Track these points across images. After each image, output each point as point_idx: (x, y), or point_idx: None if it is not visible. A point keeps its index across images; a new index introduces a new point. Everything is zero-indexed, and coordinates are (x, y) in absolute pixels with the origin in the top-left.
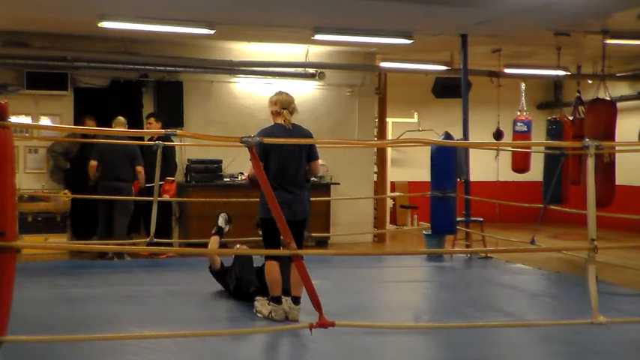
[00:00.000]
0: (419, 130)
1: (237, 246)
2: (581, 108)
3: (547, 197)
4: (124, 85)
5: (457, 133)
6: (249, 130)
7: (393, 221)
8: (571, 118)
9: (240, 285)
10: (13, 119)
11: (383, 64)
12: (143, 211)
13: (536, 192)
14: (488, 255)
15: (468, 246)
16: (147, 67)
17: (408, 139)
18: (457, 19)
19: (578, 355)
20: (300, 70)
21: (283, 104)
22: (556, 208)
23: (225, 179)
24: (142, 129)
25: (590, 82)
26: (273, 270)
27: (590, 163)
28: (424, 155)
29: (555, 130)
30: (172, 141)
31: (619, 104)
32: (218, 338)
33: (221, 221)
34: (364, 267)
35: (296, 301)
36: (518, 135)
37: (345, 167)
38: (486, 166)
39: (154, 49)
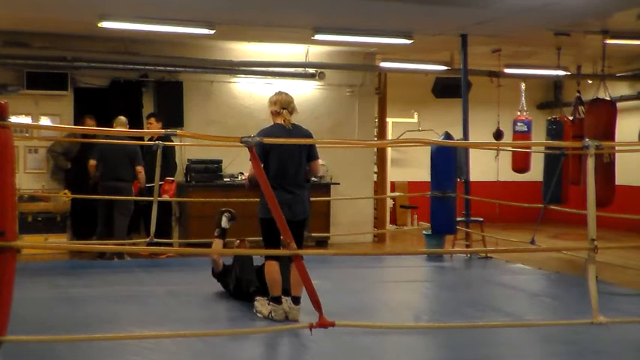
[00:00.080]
0: (419, 130)
1: (238, 242)
2: (581, 108)
3: (547, 197)
4: (124, 85)
5: (457, 133)
6: (249, 130)
7: (393, 221)
8: (571, 118)
9: (240, 285)
10: (13, 119)
11: (383, 64)
12: (143, 211)
13: (536, 192)
14: (488, 255)
15: (468, 246)
16: (147, 67)
17: (408, 139)
18: (457, 19)
19: (578, 355)
20: (300, 70)
21: (283, 104)
22: (556, 208)
23: (225, 179)
24: (142, 129)
25: (590, 82)
26: (273, 270)
27: (590, 163)
28: (424, 155)
29: (555, 130)
30: (172, 141)
31: (619, 104)
32: (218, 338)
33: (224, 222)
34: (364, 267)
35: (296, 301)
36: (518, 135)
37: (345, 167)
38: (486, 166)
39: (154, 49)
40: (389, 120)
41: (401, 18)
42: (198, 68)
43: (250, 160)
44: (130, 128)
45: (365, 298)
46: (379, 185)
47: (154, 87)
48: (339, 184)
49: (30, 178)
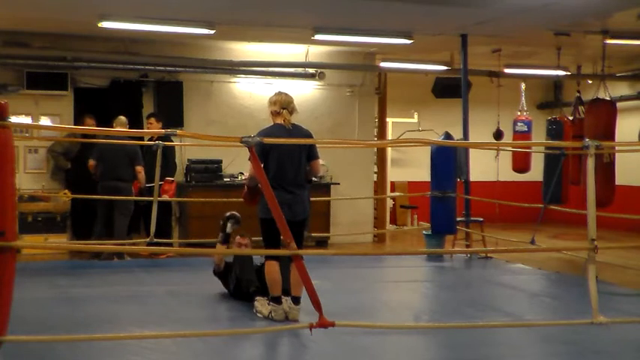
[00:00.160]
0: (419, 130)
1: (238, 237)
2: (581, 108)
3: (547, 197)
4: (124, 85)
5: (457, 133)
6: (249, 130)
7: (393, 221)
8: (571, 118)
9: (240, 285)
10: (13, 119)
11: (383, 64)
12: (143, 211)
13: (536, 192)
14: (488, 255)
15: (468, 246)
16: (147, 67)
17: (408, 139)
18: (457, 19)
19: (578, 355)
20: (300, 70)
21: (283, 104)
22: (556, 208)
23: (225, 179)
24: (142, 129)
25: (590, 82)
26: (273, 270)
27: (590, 163)
28: (424, 155)
29: (555, 130)
30: (172, 141)
31: (619, 104)
32: (218, 338)
33: (229, 228)
34: (364, 267)
35: (296, 301)
36: (518, 135)
37: (345, 167)
38: (486, 166)
39: (154, 49)
40: (389, 120)
41: (401, 18)
42: (198, 68)
43: (250, 160)
44: (129, 128)
45: (365, 298)
46: (379, 185)
47: (153, 87)
48: (339, 184)
49: (30, 178)
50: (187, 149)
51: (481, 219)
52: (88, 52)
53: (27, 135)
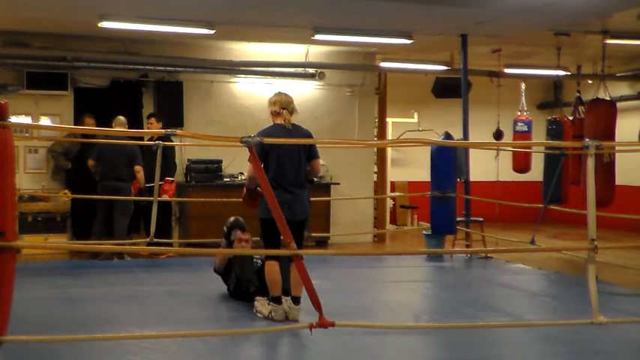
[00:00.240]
0: (419, 130)
1: (239, 232)
2: (581, 108)
3: (547, 197)
4: (124, 85)
5: (457, 133)
6: (249, 130)
7: (393, 221)
8: (571, 118)
9: (240, 285)
10: (13, 119)
11: (383, 64)
12: (143, 211)
13: (536, 192)
14: (488, 255)
15: (468, 246)
16: (147, 67)
17: (408, 139)
18: (457, 19)
19: (578, 355)
20: (300, 70)
21: (282, 104)
22: (556, 208)
23: (225, 179)
24: (142, 129)
25: (590, 82)
26: (273, 270)
27: (590, 163)
28: (424, 155)
29: (555, 130)
30: (172, 141)
31: (619, 104)
32: (218, 338)
33: (233, 236)
34: (364, 267)
35: (296, 301)
36: (518, 135)
37: (345, 167)
38: (486, 166)
39: (154, 49)
40: (389, 120)
41: (401, 18)
42: (198, 68)
43: (249, 160)
44: (129, 128)
45: (365, 298)
46: (379, 185)
47: (154, 87)
48: (339, 184)
49: (30, 178)
50: (187, 149)
51: (481, 219)
52: (88, 52)
53: (27, 135)
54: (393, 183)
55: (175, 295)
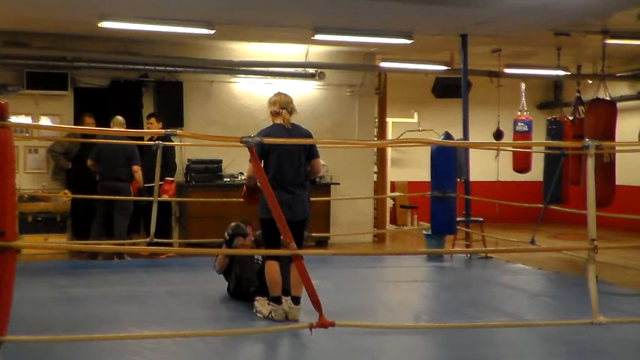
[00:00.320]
0: (419, 130)
1: (241, 239)
2: (581, 108)
3: (547, 197)
4: (124, 85)
5: (457, 133)
6: (249, 130)
7: (393, 221)
8: (571, 118)
9: (240, 285)
10: (13, 119)
11: (383, 64)
12: (143, 212)
13: (536, 192)
14: (488, 255)
15: (468, 246)
16: (147, 67)
17: (408, 139)
18: (457, 19)
19: (578, 355)
20: (300, 70)
21: (282, 104)
22: (556, 208)
23: (225, 179)
24: (142, 129)
25: (590, 82)
26: (273, 270)
27: (590, 163)
28: (424, 155)
29: (555, 130)
30: (172, 141)
31: (619, 104)
32: (218, 338)
33: (235, 243)
34: (364, 267)
35: (296, 301)
36: (519, 135)
37: (345, 167)
38: (486, 166)
39: (154, 49)
40: (389, 120)
41: (401, 18)
42: (198, 68)
43: (250, 160)
44: (129, 128)
45: (365, 298)
46: (379, 185)
47: (154, 87)
48: (339, 184)
49: (30, 178)
50: (187, 149)
51: (481, 219)
52: (88, 52)
53: (27, 135)
54: (393, 183)
55: (175, 295)
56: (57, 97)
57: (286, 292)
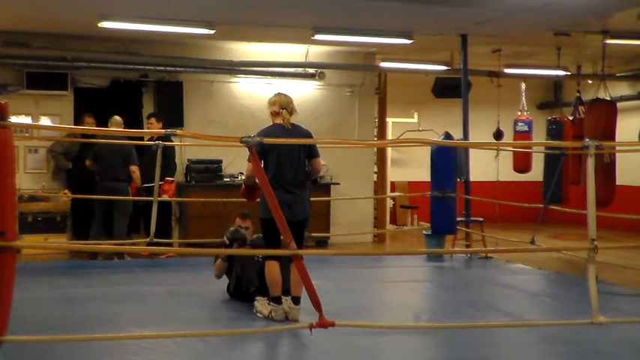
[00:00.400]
0: (419, 130)
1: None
2: (581, 108)
3: (547, 197)
4: (124, 85)
5: (457, 133)
6: (249, 130)
7: (393, 221)
8: (571, 118)
9: (241, 284)
10: (13, 119)
11: (383, 64)
12: (142, 212)
13: (536, 192)
14: (488, 255)
15: (468, 246)
16: (147, 67)
17: (408, 139)
18: (457, 19)
19: (578, 355)
20: (300, 70)
21: (282, 104)
22: (556, 208)
23: (225, 179)
24: (142, 129)
25: (590, 82)
26: (273, 270)
27: (590, 163)
28: (424, 155)
29: (555, 130)
30: (172, 141)
31: (619, 104)
32: (218, 338)
33: (236, 247)
34: (364, 267)
35: (296, 301)
36: (519, 135)
37: (345, 167)
38: (486, 166)
39: (154, 49)
40: (389, 120)
41: (401, 18)
42: (198, 68)
43: (248, 160)
44: (129, 128)
45: (365, 298)
46: (379, 185)
47: (154, 87)
48: (339, 184)
49: (30, 178)
50: (187, 149)
51: (481, 219)
52: (88, 52)
53: (27, 135)
54: (393, 183)
55: (175, 295)
56: (57, 97)
57: (286, 292)
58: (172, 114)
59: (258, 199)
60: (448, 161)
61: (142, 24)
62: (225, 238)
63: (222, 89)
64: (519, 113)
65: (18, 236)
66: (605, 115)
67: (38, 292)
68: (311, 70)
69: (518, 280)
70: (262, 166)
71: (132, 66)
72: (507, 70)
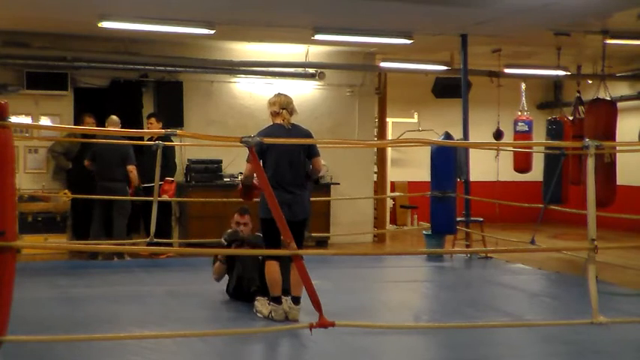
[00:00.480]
0: (419, 130)
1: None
2: (581, 108)
3: (547, 197)
4: (124, 85)
5: (457, 133)
6: (249, 130)
7: (393, 221)
8: (571, 118)
9: (242, 284)
10: (13, 119)
11: (383, 64)
12: (142, 212)
13: (536, 192)
14: (488, 255)
15: (468, 246)
16: (147, 67)
17: (408, 139)
18: (457, 19)
19: (578, 355)
20: (300, 70)
21: (282, 105)
22: (556, 208)
23: (225, 179)
24: (142, 129)
25: (590, 82)
26: (273, 270)
27: (590, 163)
28: (424, 155)
29: (555, 130)
30: (172, 141)
31: (619, 104)
32: (218, 338)
33: (234, 248)
34: (364, 267)
35: (296, 301)
36: (519, 135)
37: (345, 167)
38: (486, 166)
39: (154, 49)
40: (389, 120)
41: (401, 18)
42: (198, 68)
43: (248, 160)
44: (129, 128)
45: (365, 298)
46: (379, 185)
47: (154, 87)
48: (339, 184)
49: (30, 178)
50: (187, 149)
51: (481, 219)
52: (88, 52)
53: (27, 135)
54: (393, 183)
55: (175, 295)
56: (57, 97)
57: (286, 292)
58: (172, 114)
59: (256, 199)
60: (448, 161)
61: (142, 24)
62: (222, 239)
63: (222, 89)
64: (519, 113)
65: (18, 236)
66: (605, 115)
67: (38, 292)
68: (311, 70)
69: (518, 280)
70: (262, 166)
71: (132, 66)
72: (507, 70)
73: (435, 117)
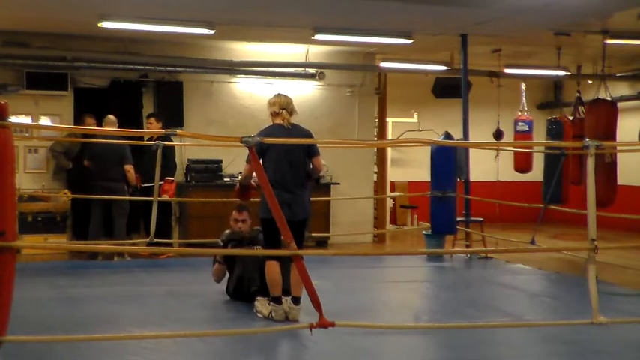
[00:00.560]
0: (419, 130)
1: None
2: (581, 108)
3: (547, 197)
4: (124, 85)
5: (457, 133)
6: (249, 130)
7: (393, 221)
8: (571, 118)
9: (242, 284)
10: (13, 119)
11: (383, 64)
12: (142, 212)
13: (536, 192)
14: (488, 255)
15: (468, 246)
16: (147, 67)
17: (408, 139)
18: (457, 19)
19: (578, 355)
20: (300, 70)
21: (282, 105)
22: (556, 208)
23: (225, 179)
24: (142, 129)
25: (590, 82)
26: (273, 270)
27: (590, 163)
28: (424, 155)
29: (555, 130)
30: (172, 141)
31: (619, 104)
32: (218, 338)
33: (230, 247)
34: (364, 267)
35: (296, 301)
36: (519, 135)
37: (345, 167)
38: (486, 166)
39: (154, 49)
40: (389, 120)
41: (401, 18)
42: (198, 68)
43: (247, 161)
44: (129, 128)
45: (365, 298)
46: (379, 185)
47: (154, 87)
48: (339, 184)
49: (30, 178)
50: (187, 149)
51: (481, 219)
52: (88, 52)
53: (27, 135)
54: (393, 183)
55: (175, 295)
56: (57, 97)
57: (286, 292)
58: (172, 114)
59: (255, 199)
60: (448, 161)
61: (142, 24)
62: (219, 240)
63: (222, 89)
64: (519, 113)
65: (18, 236)
66: (605, 115)
67: (38, 292)
68: (311, 70)
69: (518, 280)
70: (262, 166)
71: (132, 66)
72: (507, 70)
73: (435, 117)
